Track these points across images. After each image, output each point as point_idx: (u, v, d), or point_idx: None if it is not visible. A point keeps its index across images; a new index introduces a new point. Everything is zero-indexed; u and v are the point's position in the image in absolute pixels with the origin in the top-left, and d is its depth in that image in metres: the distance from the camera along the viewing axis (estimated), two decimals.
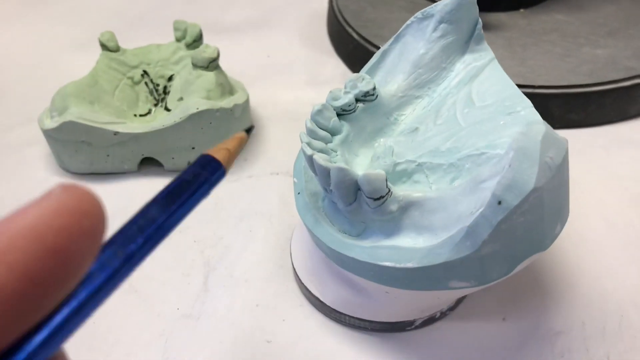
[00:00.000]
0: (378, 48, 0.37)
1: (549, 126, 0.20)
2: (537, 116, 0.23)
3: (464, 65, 0.26)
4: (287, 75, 0.39)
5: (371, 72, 0.28)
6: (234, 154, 0.17)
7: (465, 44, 0.27)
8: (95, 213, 0.11)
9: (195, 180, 0.15)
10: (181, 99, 0.33)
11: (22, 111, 0.37)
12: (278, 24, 0.44)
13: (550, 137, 0.20)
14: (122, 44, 0.35)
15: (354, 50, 0.39)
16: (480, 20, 0.26)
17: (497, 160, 0.20)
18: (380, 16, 0.39)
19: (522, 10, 0.39)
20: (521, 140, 0.19)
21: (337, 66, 0.40)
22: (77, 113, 0.30)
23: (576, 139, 0.33)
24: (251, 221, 0.30)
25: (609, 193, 0.29)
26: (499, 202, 0.19)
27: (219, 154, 0.16)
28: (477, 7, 0.26)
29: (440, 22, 0.26)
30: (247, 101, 0.33)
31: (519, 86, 0.33)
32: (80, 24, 0.45)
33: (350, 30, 0.39)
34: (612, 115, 0.34)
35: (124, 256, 0.12)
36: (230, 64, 0.37)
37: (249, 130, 0.19)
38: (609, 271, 0.26)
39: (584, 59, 0.35)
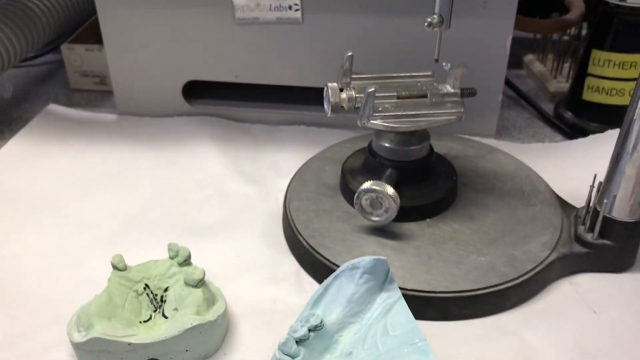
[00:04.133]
0: (322, 256, 0.49)
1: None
2: (428, 347, 0.35)
3: (381, 300, 0.39)
4: (252, 274, 0.50)
5: (318, 302, 0.40)
6: None
7: (382, 285, 0.39)
8: None
9: None
10: (176, 309, 0.44)
11: (47, 313, 0.46)
12: (243, 224, 0.56)
13: None
14: (119, 243, 0.46)
15: (304, 254, 0.51)
16: (390, 269, 0.39)
17: None
18: (323, 226, 0.52)
19: (428, 220, 0.53)
20: None
21: (292, 264, 0.52)
22: (101, 330, 0.41)
23: (467, 329, 0.45)
24: None
25: None
26: None
27: None
28: (387, 263, 0.38)
29: (364, 272, 0.38)
30: (225, 309, 0.45)
31: (425, 292, 0.46)
32: (80, 225, 0.56)
33: (301, 238, 0.51)
34: (493, 309, 0.47)
35: None
36: (207, 265, 0.48)
37: None
38: None
39: (472, 266, 0.48)
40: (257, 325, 0.46)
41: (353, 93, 0.50)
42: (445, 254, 0.49)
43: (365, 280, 0.38)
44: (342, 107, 0.50)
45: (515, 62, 0.87)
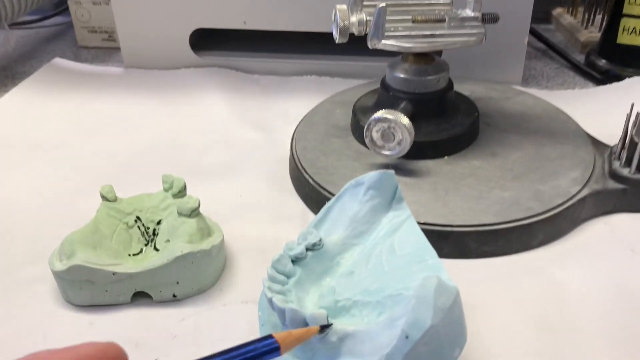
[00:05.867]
0: (329, 192, 0.45)
1: (441, 278, 0.27)
2: (440, 264, 0.30)
3: (388, 220, 0.35)
4: (255, 213, 0.47)
5: (318, 225, 0.36)
6: (296, 338, 0.23)
7: (389, 204, 0.35)
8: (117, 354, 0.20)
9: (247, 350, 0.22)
10: (168, 240, 0.40)
11: (31, 250, 0.43)
12: (248, 167, 0.52)
13: (442, 287, 0.27)
14: (115, 185, 0.43)
15: (310, 192, 0.47)
16: (399, 185, 0.35)
17: (407, 302, 0.28)
18: (330, 164, 0.48)
19: (446, 157, 0.48)
20: (420, 290, 0.27)
21: (296, 204, 0.48)
22: (83, 258, 0.37)
23: (488, 267, 0.41)
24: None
25: (512, 314, 0.37)
26: (407, 336, 0.26)
27: (280, 334, 0.22)
28: (395, 177, 0.34)
29: (369, 188, 0.34)
30: (222, 241, 0.41)
31: (441, 225, 0.41)
32: (77, 168, 0.53)
33: (307, 176, 0.47)
34: (517, 247, 0.42)
35: None
36: (207, 205, 0.44)
37: (323, 328, 0.26)
38: None
39: (493, 200, 0.43)
40: (257, 263, 0.42)
41: (364, 16, 0.46)
42: (464, 189, 0.45)
43: (370, 197, 0.34)
44: (352, 32, 0.46)
45: (542, 17, 0.82)
